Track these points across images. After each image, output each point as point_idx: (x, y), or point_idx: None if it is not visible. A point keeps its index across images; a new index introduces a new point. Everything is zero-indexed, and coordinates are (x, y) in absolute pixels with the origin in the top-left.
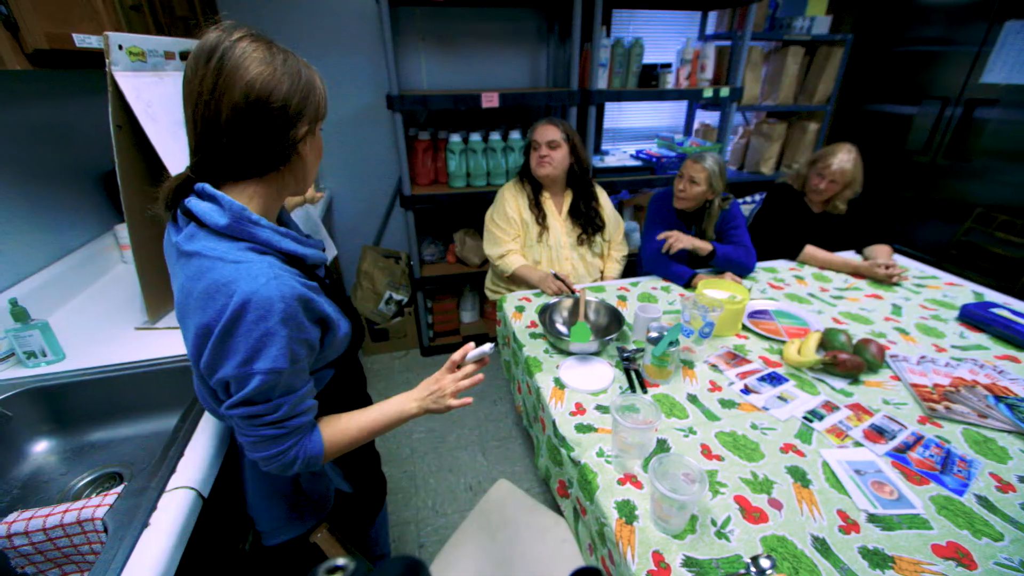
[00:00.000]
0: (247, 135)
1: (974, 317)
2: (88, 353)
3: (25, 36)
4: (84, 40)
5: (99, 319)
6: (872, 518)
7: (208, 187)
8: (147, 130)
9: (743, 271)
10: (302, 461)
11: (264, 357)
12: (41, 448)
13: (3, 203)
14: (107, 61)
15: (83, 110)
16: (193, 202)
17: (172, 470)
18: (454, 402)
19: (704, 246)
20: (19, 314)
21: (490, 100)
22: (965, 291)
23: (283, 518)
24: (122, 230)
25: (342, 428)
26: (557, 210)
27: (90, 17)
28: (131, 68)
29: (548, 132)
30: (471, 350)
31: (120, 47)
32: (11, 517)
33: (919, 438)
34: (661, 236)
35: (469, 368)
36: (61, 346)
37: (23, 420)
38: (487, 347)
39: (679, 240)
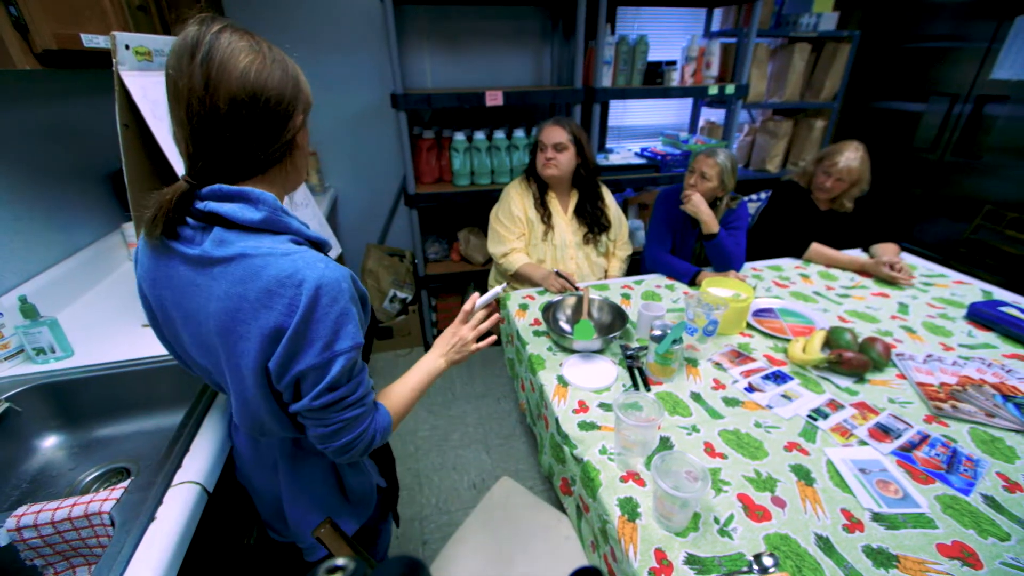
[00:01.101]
0: (248, 128)
1: (982, 315)
2: (96, 350)
3: (34, 36)
4: (92, 40)
5: (107, 316)
6: (876, 517)
7: (225, 186)
8: (153, 129)
9: (725, 265)
10: (380, 435)
11: (343, 337)
12: (50, 443)
13: (13, 201)
14: (114, 61)
15: (91, 110)
16: (214, 204)
17: (177, 465)
18: (479, 345)
19: (712, 223)
20: (28, 311)
21: (494, 98)
22: (974, 289)
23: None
24: (129, 228)
25: (396, 395)
26: (563, 209)
27: (98, 18)
28: (137, 68)
29: (555, 134)
30: (479, 298)
31: (127, 47)
32: (20, 510)
33: (925, 437)
34: (684, 195)
35: (482, 313)
36: (69, 342)
37: (32, 415)
38: (498, 289)
39: (691, 200)
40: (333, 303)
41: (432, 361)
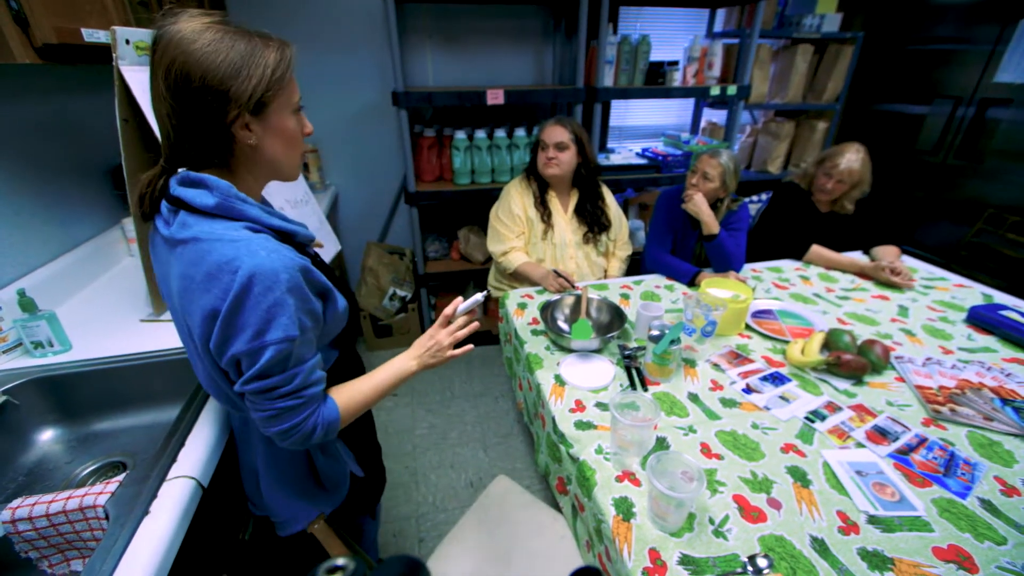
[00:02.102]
0: (181, 120)
1: (982, 319)
2: (94, 344)
3: (35, 30)
4: (92, 35)
5: (105, 311)
6: (872, 519)
7: (191, 172)
8: (153, 124)
9: (725, 266)
10: (322, 428)
11: (275, 327)
12: (47, 437)
13: (12, 196)
14: (114, 56)
15: (91, 104)
16: (179, 189)
17: (173, 460)
18: (455, 352)
19: (713, 223)
20: (27, 305)
21: (495, 97)
22: (974, 293)
23: (300, 507)
24: (129, 224)
25: (352, 392)
26: (563, 208)
27: (99, 12)
28: (138, 63)
29: (556, 133)
30: (461, 303)
31: (127, 42)
32: (15, 503)
33: (923, 440)
34: (686, 195)
35: (462, 320)
36: (67, 337)
37: (30, 409)
38: (479, 296)
39: (693, 200)
40: (266, 292)
41: (403, 362)
